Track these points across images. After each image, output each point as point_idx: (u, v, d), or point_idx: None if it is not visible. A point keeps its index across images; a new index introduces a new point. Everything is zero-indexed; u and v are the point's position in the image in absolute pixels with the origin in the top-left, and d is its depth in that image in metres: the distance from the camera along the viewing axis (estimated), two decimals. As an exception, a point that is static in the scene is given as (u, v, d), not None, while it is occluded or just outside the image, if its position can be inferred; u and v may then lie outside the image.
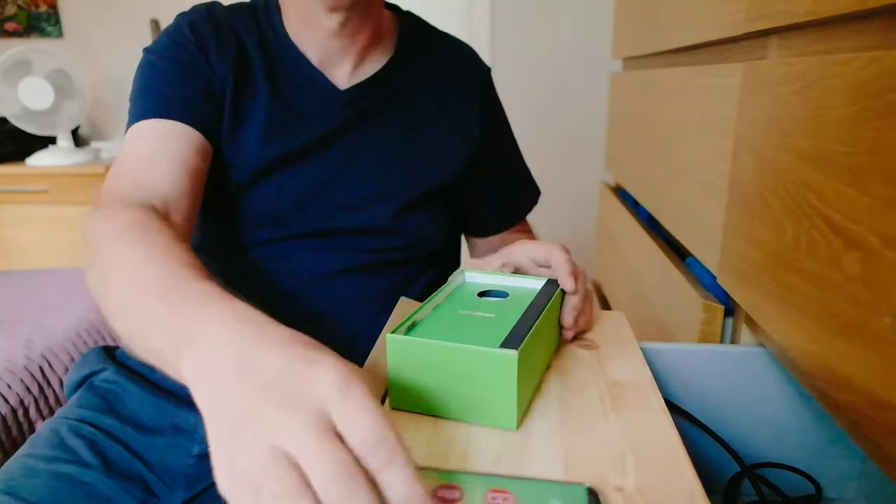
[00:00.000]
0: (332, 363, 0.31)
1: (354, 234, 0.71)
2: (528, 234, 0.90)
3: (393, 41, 0.76)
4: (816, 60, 0.45)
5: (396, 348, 0.43)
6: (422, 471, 0.32)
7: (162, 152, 0.63)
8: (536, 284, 0.55)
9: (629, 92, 1.16)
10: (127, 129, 0.67)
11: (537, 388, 0.47)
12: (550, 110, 2.32)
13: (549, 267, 0.58)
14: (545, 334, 0.49)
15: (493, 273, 0.57)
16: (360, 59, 0.72)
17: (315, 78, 0.71)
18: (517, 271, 0.61)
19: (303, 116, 0.70)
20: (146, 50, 0.69)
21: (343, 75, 0.72)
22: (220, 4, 0.73)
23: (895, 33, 0.39)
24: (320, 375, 0.30)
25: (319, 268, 0.70)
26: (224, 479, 0.29)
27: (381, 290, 0.72)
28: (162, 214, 0.59)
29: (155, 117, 0.64)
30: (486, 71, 0.83)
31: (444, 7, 2.27)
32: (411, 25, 0.78)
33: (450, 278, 0.56)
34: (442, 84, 0.77)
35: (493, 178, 0.83)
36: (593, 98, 2.27)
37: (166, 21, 2.26)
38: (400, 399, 0.44)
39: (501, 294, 0.54)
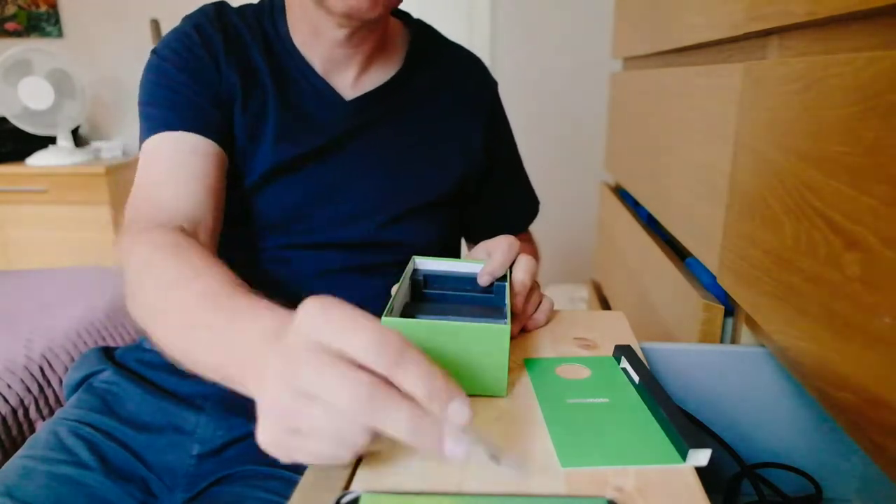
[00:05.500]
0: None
1: (348, 243, 0.71)
2: (528, 243, 0.90)
3: (402, 51, 0.76)
4: (816, 60, 0.45)
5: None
6: (434, 497, 0.34)
7: (179, 171, 0.61)
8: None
9: (629, 92, 1.16)
10: (140, 140, 0.66)
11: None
12: (550, 110, 2.32)
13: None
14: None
15: (442, 260, 0.59)
16: (365, 68, 0.72)
17: (320, 87, 0.70)
18: None
19: (310, 123, 0.69)
20: (154, 51, 0.68)
21: (347, 83, 0.72)
22: (227, 5, 0.72)
23: (895, 33, 0.39)
24: (307, 324, 0.33)
25: (315, 268, 0.70)
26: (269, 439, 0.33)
27: (378, 290, 0.72)
28: (191, 234, 0.58)
29: (166, 130, 0.63)
30: (493, 86, 0.83)
31: (444, 7, 2.27)
32: (422, 36, 0.78)
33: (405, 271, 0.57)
34: (448, 97, 0.77)
35: (493, 191, 0.83)
36: (593, 98, 2.27)
37: (166, 21, 2.26)
38: None
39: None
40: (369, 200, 0.71)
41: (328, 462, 0.33)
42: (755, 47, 0.62)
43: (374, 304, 0.72)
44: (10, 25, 2.45)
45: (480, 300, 0.57)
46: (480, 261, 0.58)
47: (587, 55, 2.25)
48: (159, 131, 0.63)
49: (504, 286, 0.56)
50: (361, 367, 0.31)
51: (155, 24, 2.22)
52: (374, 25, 0.68)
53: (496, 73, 2.31)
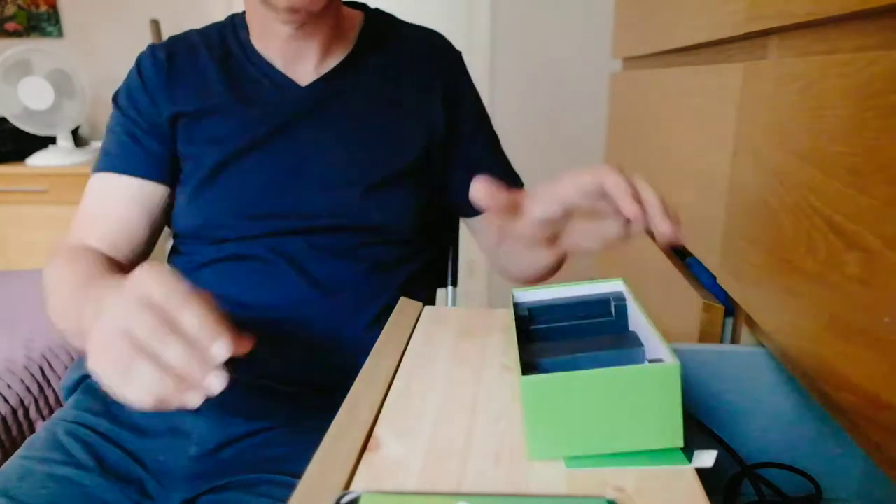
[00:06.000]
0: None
1: (323, 227, 0.72)
2: None
3: (356, 36, 0.77)
4: (816, 60, 0.45)
5: (533, 391, 0.37)
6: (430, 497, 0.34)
7: (115, 211, 0.72)
8: (599, 290, 0.49)
9: (629, 92, 1.16)
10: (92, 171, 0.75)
11: None
12: (550, 110, 2.32)
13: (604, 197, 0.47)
14: None
15: (541, 289, 0.51)
16: (323, 56, 0.74)
17: (278, 80, 0.73)
18: (570, 212, 0.50)
19: (265, 113, 0.72)
20: (115, 93, 0.77)
21: (307, 73, 0.74)
22: (192, 32, 0.77)
23: (895, 33, 0.39)
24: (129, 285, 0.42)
25: (290, 254, 0.71)
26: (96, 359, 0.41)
27: (359, 276, 0.72)
28: (110, 255, 0.71)
29: (105, 171, 0.73)
30: (454, 55, 0.81)
31: (443, 7, 2.27)
32: (375, 20, 0.79)
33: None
34: (404, 71, 0.77)
35: (468, 154, 0.80)
36: (593, 98, 2.27)
37: (166, 21, 2.26)
38: (542, 448, 0.38)
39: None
40: (332, 175, 0.72)
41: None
42: (755, 47, 0.62)
43: (348, 291, 0.72)
44: (10, 25, 2.45)
45: (598, 326, 0.49)
46: (582, 282, 0.50)
47: (587, 55, 2.25)
48: (100, 170, 0.73)
49: (624, 305, 0.48)
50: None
51: (155, 25, 2.22)
52: (320, 17, 0.69)
53: (496, 73, 2.31)
